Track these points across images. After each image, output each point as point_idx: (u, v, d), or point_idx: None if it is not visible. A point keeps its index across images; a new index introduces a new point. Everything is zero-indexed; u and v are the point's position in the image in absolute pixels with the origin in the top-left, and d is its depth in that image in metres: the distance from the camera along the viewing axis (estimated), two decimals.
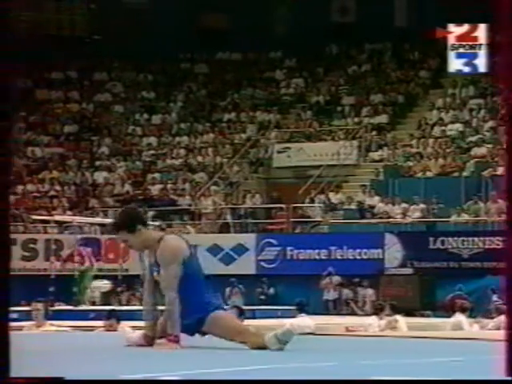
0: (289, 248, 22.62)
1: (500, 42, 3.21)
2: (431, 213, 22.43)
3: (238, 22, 29.00)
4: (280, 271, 22.34)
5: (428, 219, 22.40)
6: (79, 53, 29.66)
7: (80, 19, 31.42)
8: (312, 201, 24.23)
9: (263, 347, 5.35)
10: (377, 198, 23.54)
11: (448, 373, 4.17)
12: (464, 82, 26.37)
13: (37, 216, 23.80)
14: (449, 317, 13.90)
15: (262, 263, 22.81)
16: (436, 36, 8.75)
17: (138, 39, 28.69)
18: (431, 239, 21.34)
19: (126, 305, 19.30)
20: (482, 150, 24.06)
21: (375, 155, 25.74)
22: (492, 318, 13.42)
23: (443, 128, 25.52)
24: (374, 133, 26.35)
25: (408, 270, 21.18)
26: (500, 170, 21.21)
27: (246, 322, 9.38)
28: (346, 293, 21.59)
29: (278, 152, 26.62)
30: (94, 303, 18.75)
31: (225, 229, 24.18)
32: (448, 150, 24.60)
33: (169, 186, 26.33)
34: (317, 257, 22.35)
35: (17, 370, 3.06)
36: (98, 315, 12.33)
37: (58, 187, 26.48)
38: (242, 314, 9.06)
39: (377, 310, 12.90)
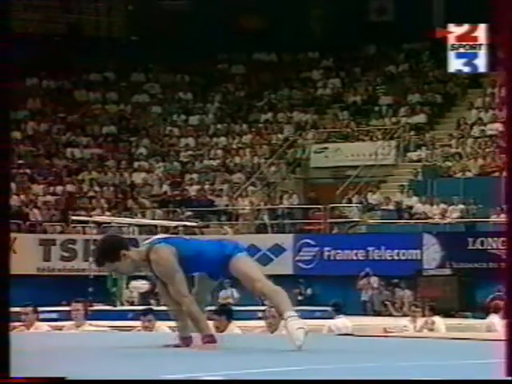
0: (326, 248, 22.58)
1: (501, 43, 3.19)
2: (470, 213, 22.26)
3: (275, 23, 29.00)
4: (317, 272, 22.30)
5: (467, 219, 22.22)
6: (117, 54, 29.84)
7: (118, 21, 31.61)
8: (349, 201, 24.16)
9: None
10: (415, 199, 23.41)
11: (485, 375, 4.13)
12: None
13: (76, 216, 23.99)
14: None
15: (300, 264, 22.78)
16: (436, 36, 8.70)
17: (176, 40, 28.80)
18: (470, 240, 21.17)
19: (164, 305, 19.35)
20: None
21: (413, 155, 25.59)
22: None
23: (482, 128, 25.31)
24: (412, 133, 26.20)
25: (446, 271, 21.03)
26: None
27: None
28: (384, 294, 21.49)
29: (316, 152, 26.57)
30: (132, 303, 18.85)
31: (262, 229, 24.19)
32: (487, 150, 24.39)
33: (206, 186, 26.39)
34: (354, 257, 22.28)
35: (53, 368, 3.07)
36: (136, 315, 12.39)
37: (96, 188, 26.66)
38: (280, 314, 9.01)
39: (412, 312, 12.82)
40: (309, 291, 22.31)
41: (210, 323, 8.13)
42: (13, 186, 25.34)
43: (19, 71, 27.00)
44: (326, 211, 23.68)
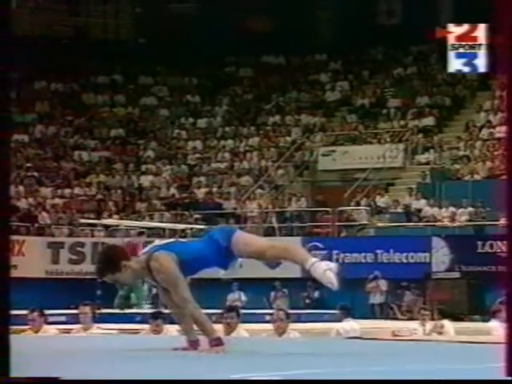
0: (335, 251, 22.53)
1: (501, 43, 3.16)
2: (479, 216, 22.19)
3: (283, 25, 28.98)
4: None
5: (476, 222, 22.16)
6: (124, 57, 29.87)
7: (125, 23, 31.65)
8: (358, 204, 24.12)
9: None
10: (423, 202, 23.35)
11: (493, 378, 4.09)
12: None
13: (84, 219, 24.00)
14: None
15: None
16: (436, 36, 8.65)
17: (183, 43, 28.81)
18: (479, 243, 21.10)
19: (166, 308, 19.29)
20: None
21: (422, 158, 25.54)
22: None
23: (491, 130, 25.24)
24: (420, 135, 26.16)
25: (455, 274, 20.97)
26: None
27: (292, 325, 9.34)
28: (392, 297, 21.44)
29: (323, 155, 26.55)
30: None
31: (270, 232, 24.16)
32: (496, 153, 24.32)
33: (214, 189, 26.39)
34: (363, 260, 22.23)
35: (60, 370, 3.05)
36: (144, 318, 12.37)
37: (104, 191, 26.68)
38: (288, 317, 9.00)
39: (421, 315, 12.78)
40: (316, 294, 22.27)
41: (220, 325, 8.12)
42: (21, 188, 25.39)
43: (27, 74, 27.05)
44: (334, 214, 23.64)
